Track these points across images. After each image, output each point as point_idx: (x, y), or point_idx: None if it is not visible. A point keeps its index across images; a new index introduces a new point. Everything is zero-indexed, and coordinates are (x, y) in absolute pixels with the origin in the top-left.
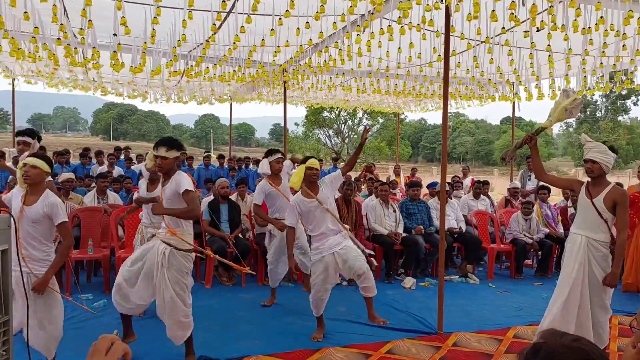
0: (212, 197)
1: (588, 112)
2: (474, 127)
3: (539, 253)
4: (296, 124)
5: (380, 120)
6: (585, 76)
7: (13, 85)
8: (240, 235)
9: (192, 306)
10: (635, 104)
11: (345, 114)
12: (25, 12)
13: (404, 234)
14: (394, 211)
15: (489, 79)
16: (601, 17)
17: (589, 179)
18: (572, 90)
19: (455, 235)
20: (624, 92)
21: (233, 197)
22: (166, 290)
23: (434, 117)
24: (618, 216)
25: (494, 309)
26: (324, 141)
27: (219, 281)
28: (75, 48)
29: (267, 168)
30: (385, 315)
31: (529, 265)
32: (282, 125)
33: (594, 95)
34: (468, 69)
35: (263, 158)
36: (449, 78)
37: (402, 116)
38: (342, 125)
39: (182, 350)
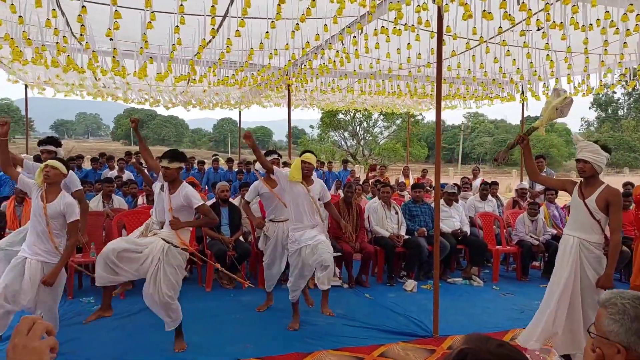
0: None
1: (610, 111)
2: (493, 127)
3: (546, 255)
4: (311, 127)
5: (397, 122)
6: (588, 74)
7: (26, 92)
8: (241, 238)
9: (190, 309)
10: None
11: (361, 116)
12: (20, 16)
13: (407, 236)
14: (396, 213)
15: (493, 79)
16: (607, 11)
17: (582, 179)
18: (562, 89)
19: (460, 238)
20: None
21: (236, 200)
22: (163, 284)
23: (452, 118)
24: (611, 217)
25: (495, 312)
26: (340, 143)
27: (219, 284)
28: (69, 56)
29: (261, 168)
30: (384, 318)
31: (536, 267)
32: (300, 128)
33: (615, 92)
34: (470, 69)
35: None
36: (442, 78)
37: (419, 117)
38: (357, 127)
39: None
